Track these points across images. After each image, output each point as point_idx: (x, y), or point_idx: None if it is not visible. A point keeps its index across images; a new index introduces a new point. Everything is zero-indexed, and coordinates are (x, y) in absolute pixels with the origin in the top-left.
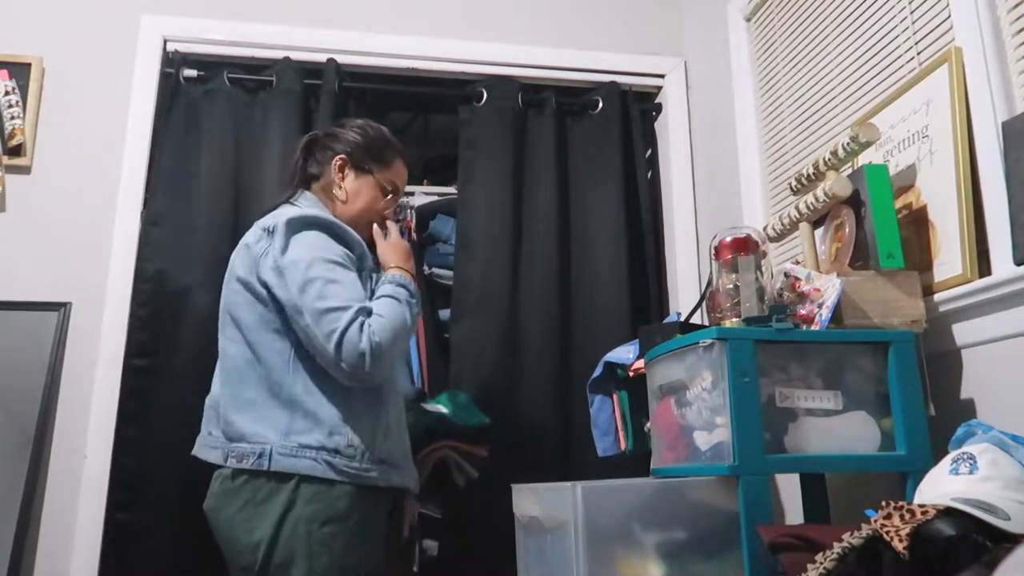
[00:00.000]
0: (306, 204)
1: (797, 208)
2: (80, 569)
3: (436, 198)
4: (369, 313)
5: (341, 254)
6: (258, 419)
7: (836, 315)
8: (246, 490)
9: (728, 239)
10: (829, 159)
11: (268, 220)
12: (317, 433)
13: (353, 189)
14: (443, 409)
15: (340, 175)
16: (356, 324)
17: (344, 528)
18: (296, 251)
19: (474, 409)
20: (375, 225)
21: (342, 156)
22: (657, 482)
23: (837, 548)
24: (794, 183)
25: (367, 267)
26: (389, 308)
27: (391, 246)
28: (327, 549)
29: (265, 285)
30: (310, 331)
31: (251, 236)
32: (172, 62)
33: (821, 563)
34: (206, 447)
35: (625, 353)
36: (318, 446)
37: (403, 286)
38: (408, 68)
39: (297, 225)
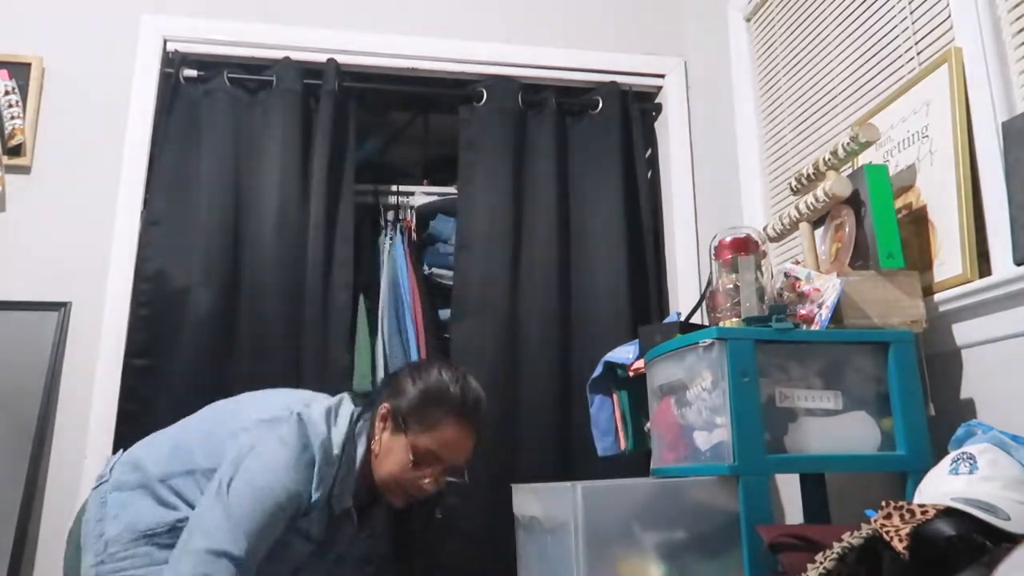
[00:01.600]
0: (342, 417)
1: (797, 208)
2: None
3: (436, 198)
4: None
5: (291, 490)
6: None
7: (836, 315)
8: None
9: (728, 239)
10: (829, 159)
11: (286, 406)
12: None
13: (386, 445)
14: None
15: (381, 424)
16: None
17: None
18: (267, 454)
19: None
20: None
21: (387, 404)
22: (657, 482)
23: (837, 548)
24: (794, 183)
25: (302, 509)
26: None
27: None
28: None
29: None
30: (202, 508)
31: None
32: (172, 62)
33: (821, 563)
34: None
35: (625, 353)
36: None
37: None
38: (408, 68)
39: (293, 427)
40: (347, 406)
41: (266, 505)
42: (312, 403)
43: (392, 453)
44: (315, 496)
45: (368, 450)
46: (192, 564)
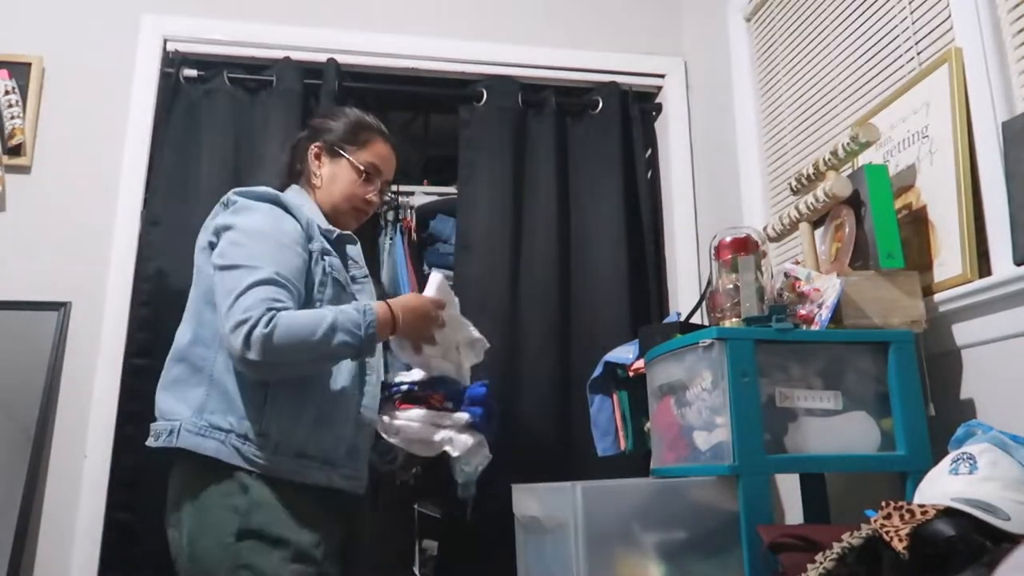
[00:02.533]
0: (290, 196)
1: (797, 208)
2: (80, 569)
3: (436, 198)
4: (285, 296)
5: (287, 229)
6: (178, 397)
7: (836, 315)
8: (177, 481)
9: (728, 239)
10: (829, 159)
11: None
12: (230, 415)
13: (329, 174)
14: None
15: (317, 163)
16: (260, 296)
17: (264, 532)
18: (240, 218)
19: None
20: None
21: (317, 144)
22: (657, 482)
23: (837, 548)
24: (794, 183)
25: (317, 248)
26: (312, 322)
27: (415, 305)
28: (246, 560)
29: (211, 248)
30: (218, 290)
31: (210, 215)
32: (172, 62)
33: (821, 563)
34: None
35: (625, 353)
36: (228, 429)
37: (358, 331)
38: (408, 68)
39: (249, 196)
40: None
41: (268, 240)
42: None
43: (338, 177)
44: (305, 221)
45: (314, 192)
46: (231, 324)
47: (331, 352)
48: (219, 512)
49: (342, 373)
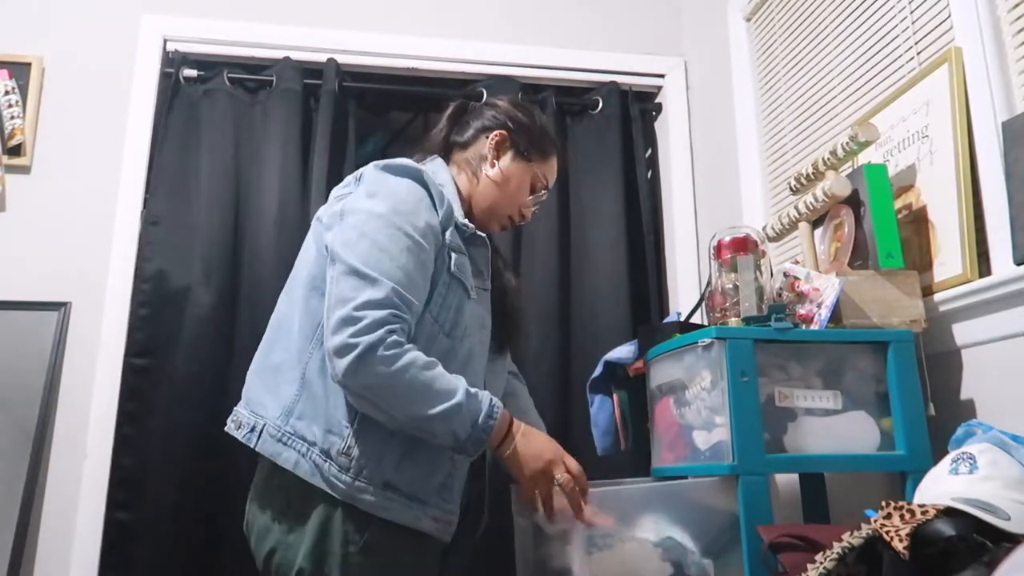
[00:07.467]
0: (433, 169)
1: (797, 208)
2: (80, 569)
3: None
4: (405, 320)
5: (421, 224)
6: (269, 387)
7: (835, 315)
8: (262, 477)
9: (727, 239)
10: (829, 159)
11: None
12: (315, 425)
13: (507, 173)
14: None
15: (495, 152)
16: (377, 318)
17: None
18: (370, 203)
19: None
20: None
21: (502, 132)
22: (657, 482)
23: (837, 548)
24: (794, 183)
25: (449, 243)
26: (439, 391)
27: (539, 447)
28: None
29: (326, 226)
30: (330, 289)
31: (339, 185)
32: (172, 62)
33: (821, 563)
34: None
35: (625, 353)
36: (311, 440)
37: (472, 428)
38: (408, 68)
39: (388, 169)
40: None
41: (395, 237)
42: None
43: (513, 180)
44: (441, 217)
45: (472, 179)
46: (336, 344)
47: (433, 430)
48: (297, 535)
49: None
